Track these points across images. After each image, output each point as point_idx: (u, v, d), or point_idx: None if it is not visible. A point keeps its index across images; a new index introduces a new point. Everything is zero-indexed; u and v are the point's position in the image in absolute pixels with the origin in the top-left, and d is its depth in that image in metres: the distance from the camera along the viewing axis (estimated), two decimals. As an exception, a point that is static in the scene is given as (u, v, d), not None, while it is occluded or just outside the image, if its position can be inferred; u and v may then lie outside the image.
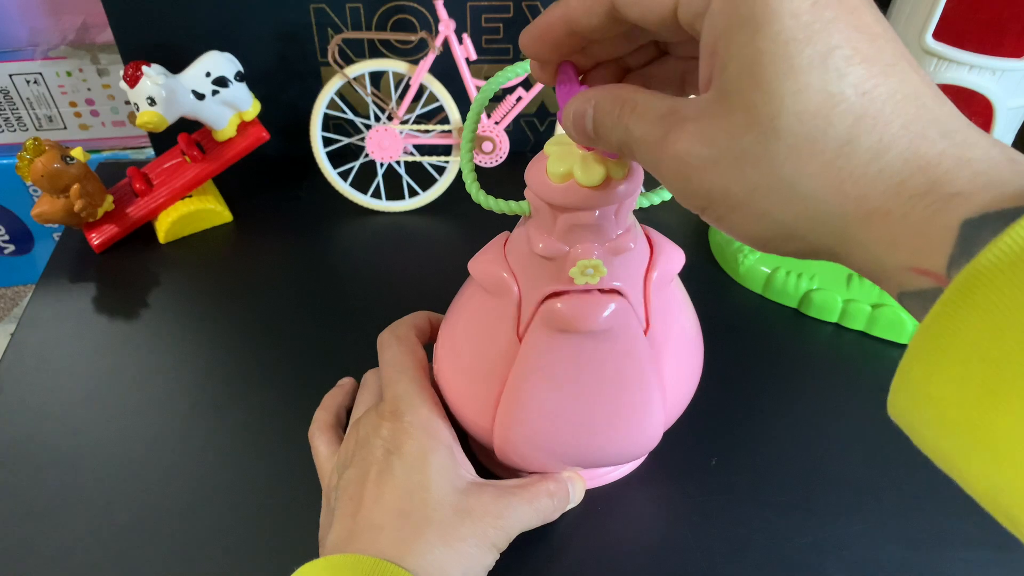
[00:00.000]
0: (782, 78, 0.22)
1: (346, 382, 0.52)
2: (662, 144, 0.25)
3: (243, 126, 0.68)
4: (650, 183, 0.38)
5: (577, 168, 0.34)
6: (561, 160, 0.34)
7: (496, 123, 0.67)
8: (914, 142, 0.21)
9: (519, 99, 0.66)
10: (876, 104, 0.22)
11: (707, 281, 0.65)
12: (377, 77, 0.71)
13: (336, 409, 0.49)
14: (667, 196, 0.38)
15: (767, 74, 0.22)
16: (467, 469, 0.42)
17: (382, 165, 0.70)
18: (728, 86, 0.23)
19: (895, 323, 0.58)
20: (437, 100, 0.67)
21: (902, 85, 0.22)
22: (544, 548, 0.45)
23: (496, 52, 0.72)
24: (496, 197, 0.39)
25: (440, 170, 0.71)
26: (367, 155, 0.69)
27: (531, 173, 0.36)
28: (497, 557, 0.40)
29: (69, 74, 0.84)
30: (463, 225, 0.70)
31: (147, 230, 0.68)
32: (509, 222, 0.40)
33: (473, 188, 0.39)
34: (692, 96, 0.27)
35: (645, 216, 0.40)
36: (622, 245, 0.37)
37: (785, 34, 0.22)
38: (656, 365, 0.41)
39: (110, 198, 0.65)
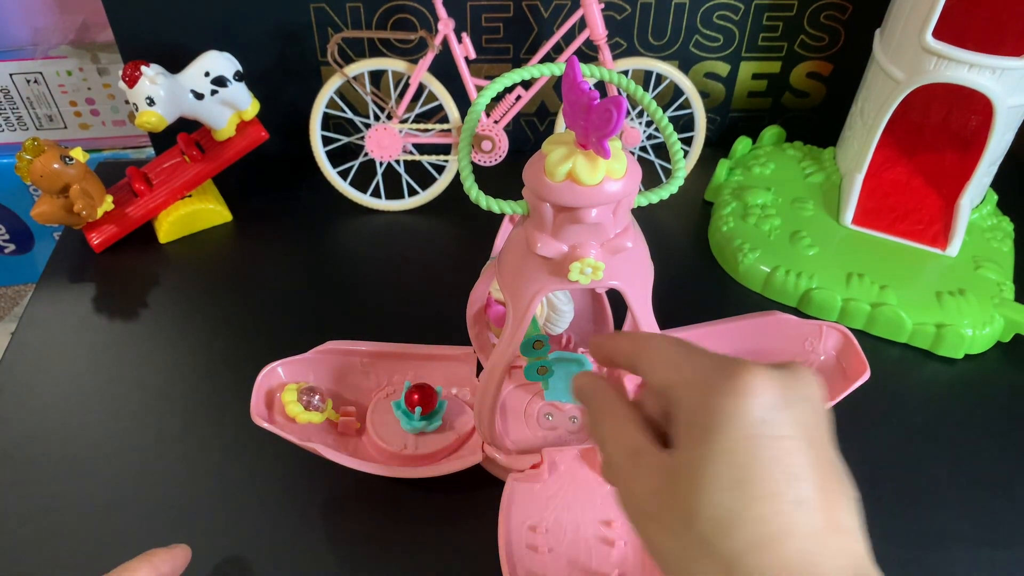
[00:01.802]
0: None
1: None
2: (621, 473, 0.30)
3: (242, 125, 0.68)
4: (649, 182, 0.38)
5: (576, 167, 0.33)
6: (560, 159, 0.34)
7: (495, 122, 0.66)
8: None
9: (518, 98, 0.66)
10: None
11: (707, 280, 0.65)
12: (377, 76, 0.71)
13: None
14: (665, 195, 0.38)
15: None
16: None
17: (381, 164, 0.70)
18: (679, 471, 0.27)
19: (894, 322, 0.58)
20: (436, 99, 0.67)
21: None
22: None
23: (496, 51, 0.72)
24: (496, 196, 0.39)
25: (439, 169, 0.71)
26: (367, 154, 0.69)
27: (529, 172, 0.35)
28: None
29: (69, 73, 0.84)
30: (463, 224, 0.70)
31: (147, 230, 0.68)
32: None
33: (472, 189, 0.39)
34: (661, 449, 0.29)
35: (644, 214, 0.40)
36: (620, 244, 0.37)
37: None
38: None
39: (110, 198, 0.65)
